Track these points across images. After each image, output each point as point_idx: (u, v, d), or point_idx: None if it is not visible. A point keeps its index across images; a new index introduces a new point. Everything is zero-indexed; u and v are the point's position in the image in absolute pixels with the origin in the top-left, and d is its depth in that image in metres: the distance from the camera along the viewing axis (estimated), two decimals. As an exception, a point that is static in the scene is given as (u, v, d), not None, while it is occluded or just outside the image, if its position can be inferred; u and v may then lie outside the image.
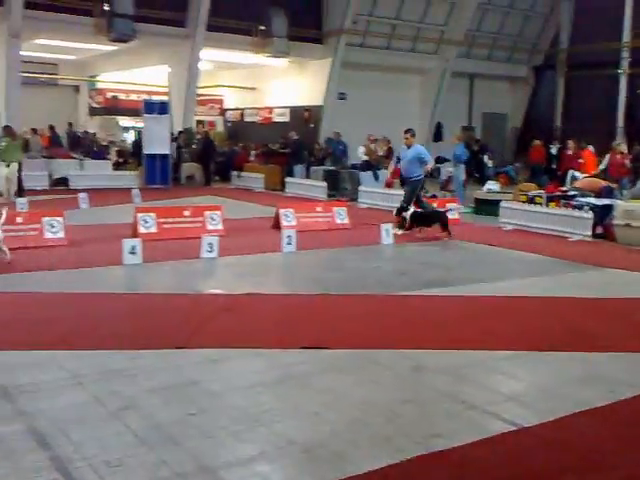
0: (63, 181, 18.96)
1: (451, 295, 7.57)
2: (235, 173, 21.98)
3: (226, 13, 21.92)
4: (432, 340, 5.86)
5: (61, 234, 9.89)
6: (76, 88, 29.57)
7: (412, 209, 12.04)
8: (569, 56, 28.59)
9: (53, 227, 9.75)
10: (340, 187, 18.38)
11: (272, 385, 4.76)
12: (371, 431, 4.03)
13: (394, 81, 26.42)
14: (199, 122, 26.77)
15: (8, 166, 15.95)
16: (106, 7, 19.94)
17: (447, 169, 19.18)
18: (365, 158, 19.38)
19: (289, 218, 12.26)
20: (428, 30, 26.61)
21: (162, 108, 20.44)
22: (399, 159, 12.91)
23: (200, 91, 24.97)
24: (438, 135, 27.27)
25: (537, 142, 21.65)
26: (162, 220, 10.98)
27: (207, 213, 11.53)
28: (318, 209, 13.08)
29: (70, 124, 25.63)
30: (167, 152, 20.28)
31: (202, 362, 5.21)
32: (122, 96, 27.54)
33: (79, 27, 20.09)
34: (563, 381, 4.97)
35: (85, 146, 23.67)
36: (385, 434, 3.99)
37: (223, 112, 30.20)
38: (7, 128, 16.78)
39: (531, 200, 13.84)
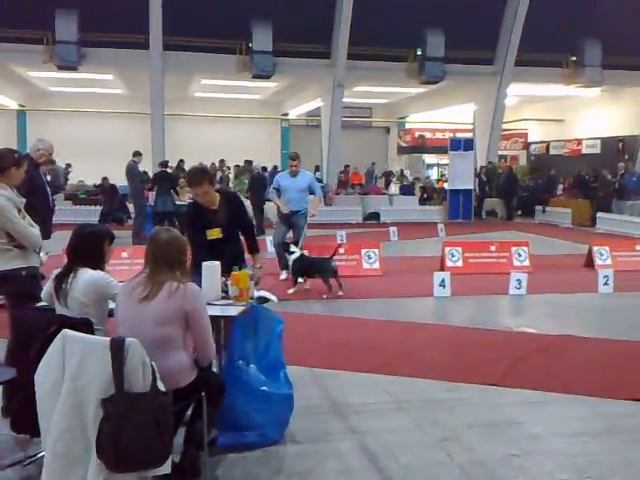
0: (374, 215, 20.32)
1: None
2: (539, 208, 21.31)
3: (534, 47, 21.53)
4: None
5: (376, 265, 10.60)
6: (386, 129, 31.68)
7: (297, 252, 9.09)
8: None
9: (370, 258, 10.50)
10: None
11: (599, 436, 4.47)
12: None
13: None
14: (501, 157, 26.60)
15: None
16: (419, 52, 21.18)
17: None
18: None
19: (604, 257, 11.47)
20: None
21: (467, 144, 20.84)
22: (278, 190, 9.80)
23: (503, 126, 24.86)
24: None
25: None
26: (468, 254, 11.14)
27: (514, 249, 11.39)
28: (638, 247, 12.01)
29: (373, 163, 27.12)
30: (470, 187, 20.55)
31: (520, 402, 5.11)
32: (428, 135, 28.76)
33: (394, 73, 21.62)
34: None
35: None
36: None
37: (527, 146, 29.60)
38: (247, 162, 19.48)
39: None
